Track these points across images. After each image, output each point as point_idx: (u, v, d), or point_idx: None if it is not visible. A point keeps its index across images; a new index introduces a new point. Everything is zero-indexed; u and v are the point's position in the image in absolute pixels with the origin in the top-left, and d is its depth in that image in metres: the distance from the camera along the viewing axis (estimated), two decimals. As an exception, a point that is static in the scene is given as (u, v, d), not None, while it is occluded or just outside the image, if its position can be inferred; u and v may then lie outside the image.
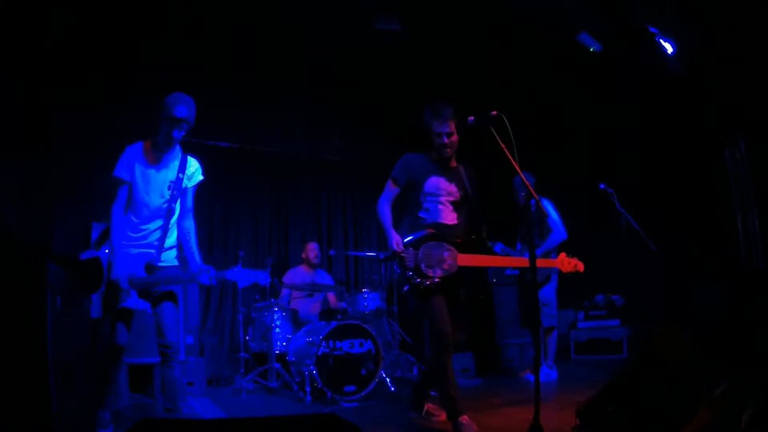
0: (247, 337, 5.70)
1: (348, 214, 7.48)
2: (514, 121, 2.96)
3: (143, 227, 3.20)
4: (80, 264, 3.12)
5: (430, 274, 3.28)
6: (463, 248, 3.40)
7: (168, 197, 3.23)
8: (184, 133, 3.19)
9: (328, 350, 4.58)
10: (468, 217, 3.59)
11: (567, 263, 3.62)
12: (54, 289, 2.20)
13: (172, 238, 3.29)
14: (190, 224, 3.34)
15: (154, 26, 5.17)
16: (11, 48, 4.68)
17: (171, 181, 3.24)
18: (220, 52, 5.48)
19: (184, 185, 3.28)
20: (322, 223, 7.31)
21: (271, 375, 5.24)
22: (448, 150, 3.47)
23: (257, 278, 3.22)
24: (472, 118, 3.10)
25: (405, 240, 3.33)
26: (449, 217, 3.50)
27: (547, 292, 5.10)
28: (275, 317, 5.33)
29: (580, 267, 3.62)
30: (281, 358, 5.27)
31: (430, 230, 3.38)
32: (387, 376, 4.96)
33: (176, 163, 3.28)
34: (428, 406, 3.59)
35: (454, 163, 3.59)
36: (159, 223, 3.22)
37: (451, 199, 3.51)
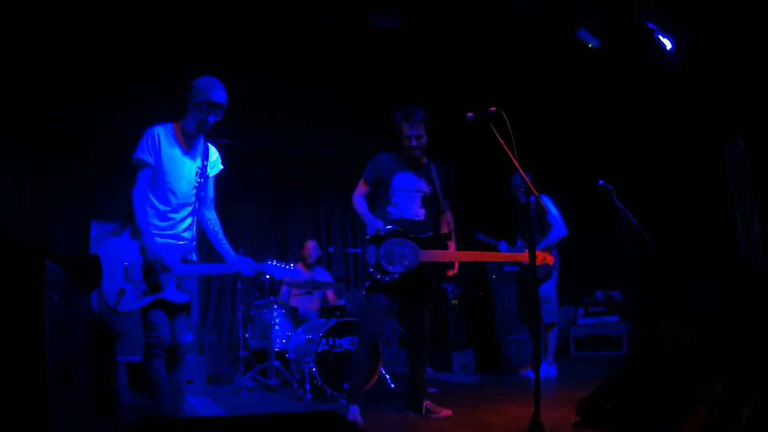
0: (247, 335, 5.70)
1: (347, 212, 7.48)
2: (514, 121, 2.95)
3: (171, 216, 2.99)
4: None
5: (390, 270, 3.36)
6: (427, 244, 3.46)
7: (195, 184, 3.06)
8: (219, 119, 3.00)
9: (327, 347, 4.58)
10: (436, 213, 3.70)
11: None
12: (52, 289, 2.20)
13: (194, 229, 3.14)
14: (214, 215, 3.20)
15: (154, 26, 5.17)
16: (11, 48, 4.68)
17: (198, 168, 3.08)
18: (220, 51, 5.46)
19: (207, 173, 3.13)
20: (322, 221, 7.32)
21: (271, 373, 5.24)
22: (417, 151, 3.60)
23: (291, 273, 3.22)
24: (470, 114, 3.09)
25: (368, 236, 3.42)
26: (417, 213, 3.59)
27: (548, 288, 5.10)
28: (274, 315, 5.32)
29: (549, 260, 3.81)
30: (281, 355, 5.27)
31: (393, 226, 3.45)
32: (386, 373, 4.96)
33: (200, 150, 3.12)
34: (427, 403, 3.60)
35: (424, 160, 3.69)
36: (188, 210, 3.05)
37: (420, 194, 3.60)
